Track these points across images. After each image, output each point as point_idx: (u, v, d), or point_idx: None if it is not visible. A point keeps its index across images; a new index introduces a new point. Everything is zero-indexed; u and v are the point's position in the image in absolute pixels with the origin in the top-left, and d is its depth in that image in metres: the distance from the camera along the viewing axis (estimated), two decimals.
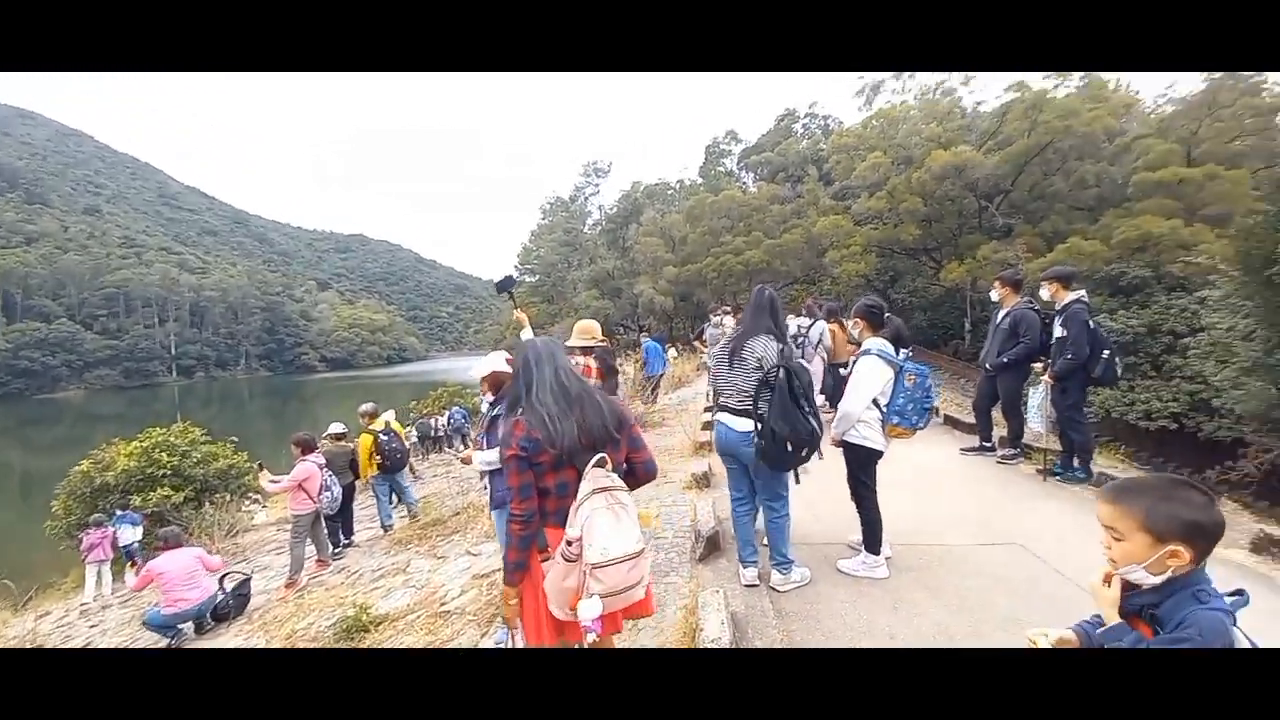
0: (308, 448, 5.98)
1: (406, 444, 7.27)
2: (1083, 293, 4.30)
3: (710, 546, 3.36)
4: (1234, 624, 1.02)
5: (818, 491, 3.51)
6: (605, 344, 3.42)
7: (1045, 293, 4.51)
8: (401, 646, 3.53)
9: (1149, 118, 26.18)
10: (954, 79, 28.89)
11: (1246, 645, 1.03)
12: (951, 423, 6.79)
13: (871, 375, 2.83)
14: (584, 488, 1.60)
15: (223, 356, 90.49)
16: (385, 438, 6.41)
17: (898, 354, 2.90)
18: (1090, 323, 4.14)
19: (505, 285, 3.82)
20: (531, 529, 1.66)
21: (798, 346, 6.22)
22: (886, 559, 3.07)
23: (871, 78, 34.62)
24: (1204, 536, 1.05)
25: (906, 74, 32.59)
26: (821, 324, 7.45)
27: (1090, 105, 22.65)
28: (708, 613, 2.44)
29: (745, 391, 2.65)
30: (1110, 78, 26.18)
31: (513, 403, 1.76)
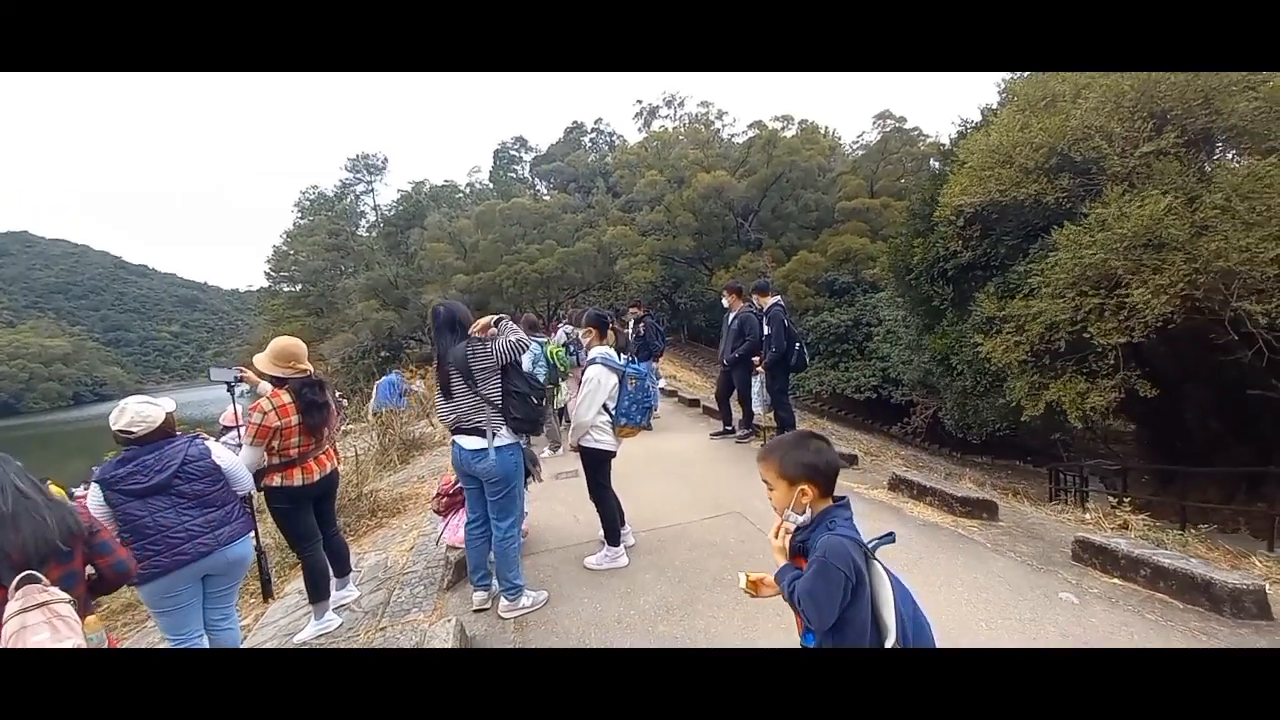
0: None
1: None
2: (779, 298, 5.28)
3: (459, 572, 3.20)
4: (866, 554, 1.20)
5: (580, 495, 3.63)
6: (307, 374, 2.93)
7: (754, 300, 5.44)
8: None
9: (847, 158, 33.65)
10: (712, 112, 33.18)
11: (883, 573, 1.21)
12: (709, 412, 7.72)
13: (600, 383, 3.01)
14: (11, 607, 1.57)
15: None
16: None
17: (620, 359, 3.14)
18: (785, 321, 5.10)
19: (222, 375, 3.02)
20: None
21: (570, 353, 6.44)
22: (629, 547, 3.31)
23: (647, 102, 38.09)
24: (819, 473, 1.29)
25: (677, 102, 36.76)
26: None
27: (807, 145, 28.14)
28: (434, 645, 2.31)
29: (465, 411, 2.61)
30: (821, 124, 32.94)
31: None
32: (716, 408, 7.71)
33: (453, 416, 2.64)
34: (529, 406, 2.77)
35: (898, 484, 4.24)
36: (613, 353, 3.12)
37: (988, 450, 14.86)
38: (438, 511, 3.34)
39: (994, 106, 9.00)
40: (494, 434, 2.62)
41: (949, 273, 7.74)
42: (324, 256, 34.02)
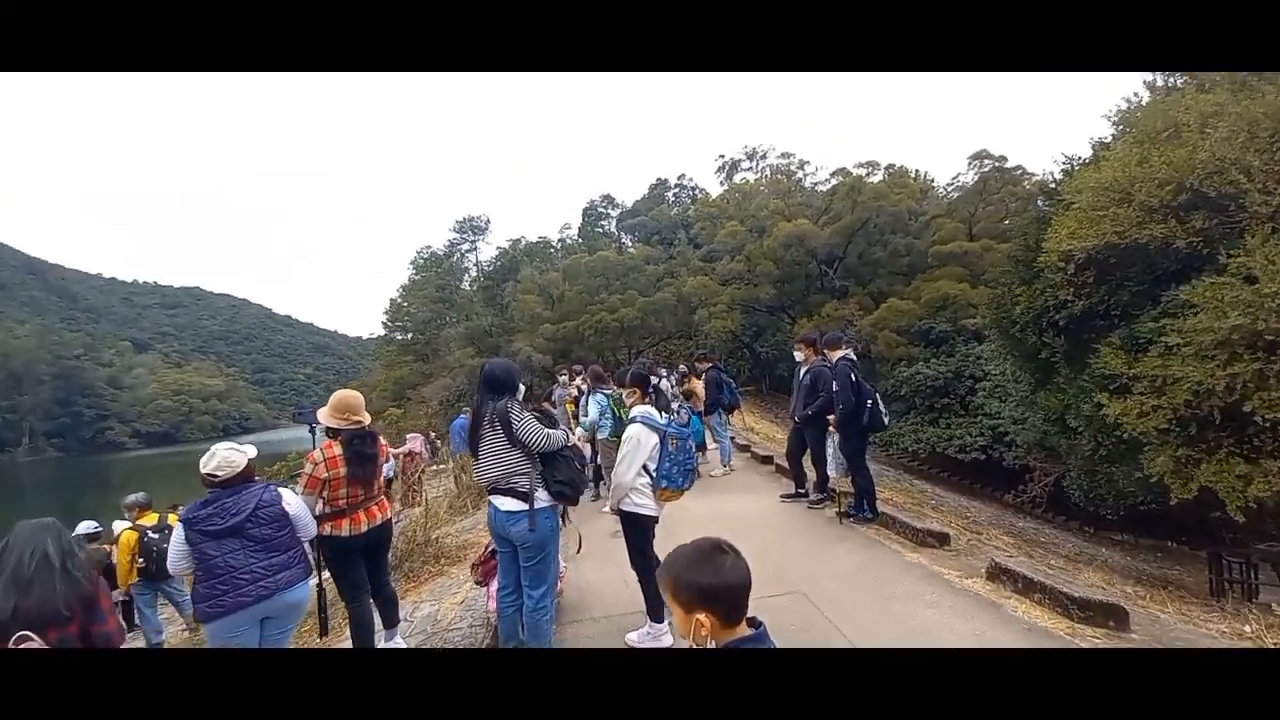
0: None
1: None
2: (849, 351, 4.93)
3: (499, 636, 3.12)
4: None
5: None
6: (361, 425, 3.06)
7: (798, 354, 5.35)
8: None
9: (941, 200, 31.96)
10: (793, 163, 33.23)
11: None
12: (781, 471, 7.26)
13: (640, 443, 2.89)
14: None
15: (0, 435, 72.38)
16: (154, 535, 5.32)
17: (661, 418, 3.01)
18: (853, 376, 4.72)
19: (305, 419, 3.36)
20: None
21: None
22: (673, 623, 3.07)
23: (729, 156, 39.03)
24: (717, 600, 1.07)
25: (759, 155, 37.30)
26: (664, 383, 7.83)
27: (896, 190, 27.17)
28: None
29: (502, 473, 2.59)
30: (910, 168, 31.79)
31: None
32: (788, 465, 7.27)
33: (490, 476, 2.63)
34: (573, 470, 2.72)
35: (998, 573, 3.62)
36: (654, 411, 3.00)
37: (1128, 526, 12.58)
38: (479, 583, 3.31)
39: (1106, 140, 8.15)
40: (533, 496, 2.57)
41: (1060, 323, 6.87)
42: (431, 308, 37.47)
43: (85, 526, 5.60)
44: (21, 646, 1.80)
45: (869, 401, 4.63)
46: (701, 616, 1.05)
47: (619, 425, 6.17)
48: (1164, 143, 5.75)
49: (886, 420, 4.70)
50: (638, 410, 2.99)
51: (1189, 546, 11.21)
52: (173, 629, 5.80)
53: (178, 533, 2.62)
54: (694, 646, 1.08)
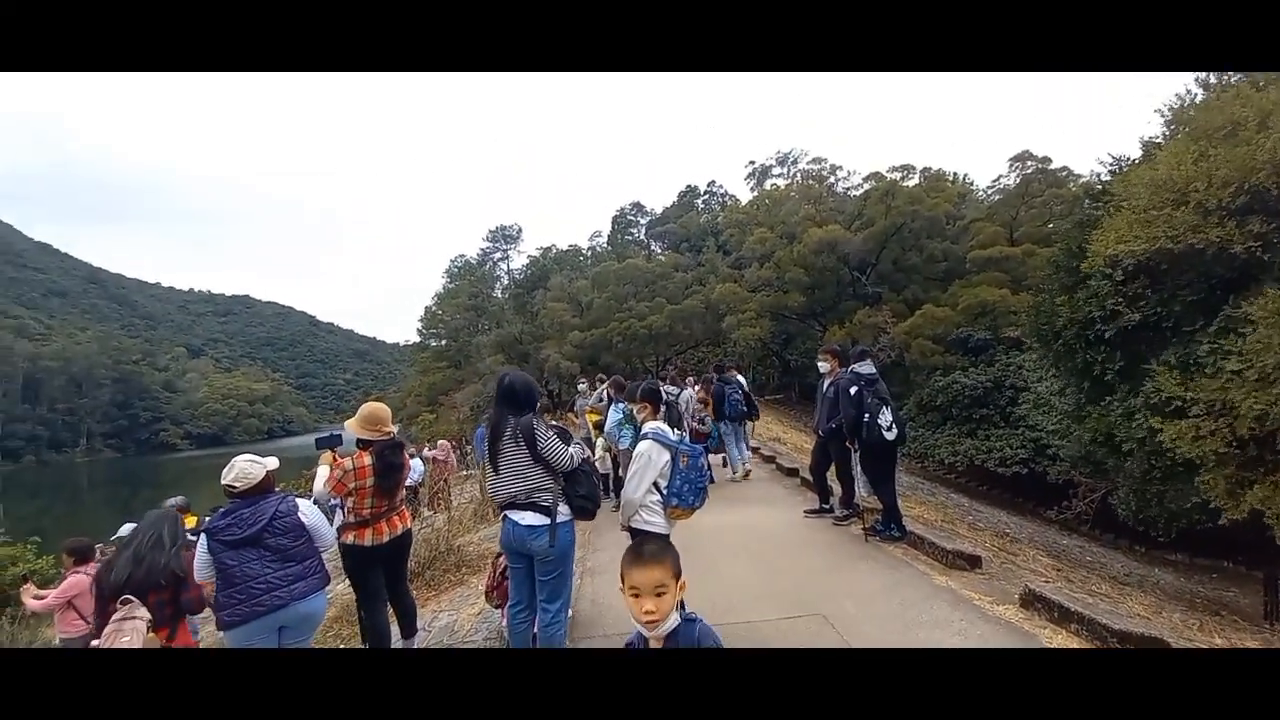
0: (82, 556, 5.03)
1: None
2: (863, 364, 4.80)
3: None
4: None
5: None
6: (391, 435, 3.14)
7: (823, 365, 5.29)
8: None
9: (981, 204, 30.90)
10: (825, 168, 32.77)
11: None
12: (807, 484, 7.07)
13: (651, 459, 2.84)
14: (116, 616, 2.34)
15: (59, 436, 77.07)
16: (193, 539, 5.53)
17: (673, 435, 2.95)
18: (853, 389, 4.58)
19: (329, 443, 3.37)
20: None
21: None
22: None
23: (760, 162, 38.75)
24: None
25: (790, 160, 36.91)
26: (688, 392, 7.75)
27: (932, 194, 26.40)
28: None
29: (525, 488, 2.59)
30: (948, 171, 30.88)
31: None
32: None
33: (509, 490, 2.61)
34: (592, 485, 2.71)
35: (1033, 600, 3.41)
36: (665, 427, 2.94)
37: (1181, 545, 11.79)
38: (498, 606, 3.27)
39: (1156, 139, 7.70)
40: (555, 511, 2.57)
41: (1107, 335, 6.48)
42: (464, 316, 38.24)
43: (127, 529, 5.87)
44: (130, 605, 2.37)
45: (865, 415, 4.46)
46: (683, 579, 1.40)
47: (640, 435, 6.14)
48: (1222, 141, 5.39)
49: (890, 436, 4.46)
50: (649, 426, 2.94)
51: (1245, 567, 10.52)
52: (208, 629, 6.00)
53: (201, 543, 2.71)
54: (677, 614, 1.34)
